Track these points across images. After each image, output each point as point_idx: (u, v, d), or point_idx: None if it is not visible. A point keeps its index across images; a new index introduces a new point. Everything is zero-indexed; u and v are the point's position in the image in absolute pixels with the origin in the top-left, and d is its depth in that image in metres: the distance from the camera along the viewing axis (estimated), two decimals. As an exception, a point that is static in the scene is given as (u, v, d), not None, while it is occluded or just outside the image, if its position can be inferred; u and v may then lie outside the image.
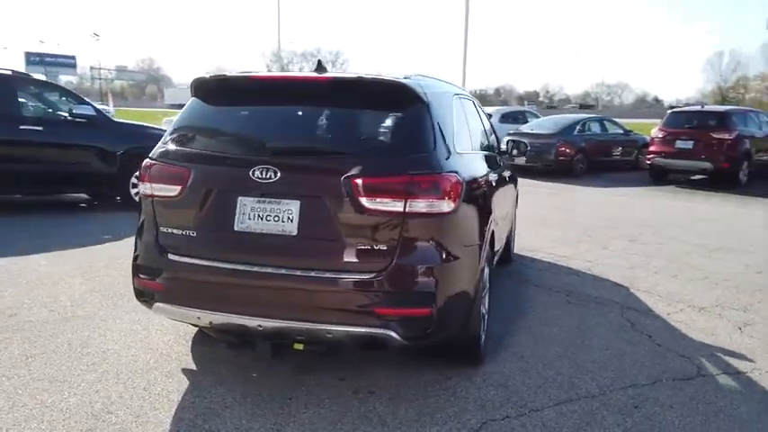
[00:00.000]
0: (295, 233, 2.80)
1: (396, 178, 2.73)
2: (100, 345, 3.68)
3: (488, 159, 4.18)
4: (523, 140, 14.80)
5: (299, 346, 2.95)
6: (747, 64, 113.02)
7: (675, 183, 13.53)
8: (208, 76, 3.23)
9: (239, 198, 2.89)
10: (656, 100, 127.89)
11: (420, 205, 2.72)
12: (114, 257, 5.75)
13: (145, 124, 9.71)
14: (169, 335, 3.88)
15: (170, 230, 3.03)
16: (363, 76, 2.93)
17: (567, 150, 14.30)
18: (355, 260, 2.76)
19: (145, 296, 3.15)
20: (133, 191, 8.18)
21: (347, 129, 3.05)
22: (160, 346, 3.71)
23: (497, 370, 3.47)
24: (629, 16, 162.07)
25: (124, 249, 5.98)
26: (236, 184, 2.89)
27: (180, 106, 6.58)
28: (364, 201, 2.71)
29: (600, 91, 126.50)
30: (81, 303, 4.43)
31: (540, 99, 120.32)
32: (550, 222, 8.45)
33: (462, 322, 3.06)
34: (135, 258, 3.18)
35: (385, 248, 2.74)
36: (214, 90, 3.24)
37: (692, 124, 13.02)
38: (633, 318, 4.49)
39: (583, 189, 12.65)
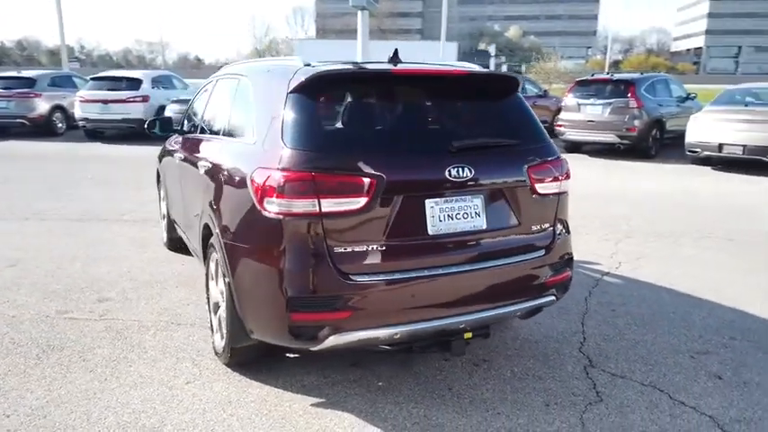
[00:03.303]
0: (484, 227, 2.89)
1: (554, 163, 3.11)
2: None
3: None
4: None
5: (469, 335, 3.04)
6: (277, 28, 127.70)
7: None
8: (335, 68, 2.76)
9: (426, 200, 2.75)
10: (198, 59, 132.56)
11: (564, 185, 3.18)
12: None
13: None
14: (247, 394, 3.16)
15: (350, 249, 2.63)
16: (492, 69, 3.08)
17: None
18: (532, 241, 3.05)
19: (308, 334, 2.65)
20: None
21: (499, 120, 3.12)
22: (277, 408, 3.03)
23: (524, 323, 4.06)
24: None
25: None
26: (427, 186, 2.73)
27: None
28: (538, 186, 3.01)
29: (142, 49, 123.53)
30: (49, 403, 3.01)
31: (77, 56, 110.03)
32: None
33: None
34: (286, 292, 2.60)
35: (548, 226, 3.12)
36: (345, 85, 2.81)
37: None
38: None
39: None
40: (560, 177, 3.14)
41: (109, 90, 14.40)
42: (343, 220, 2.62)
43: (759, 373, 3.35)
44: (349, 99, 2.86)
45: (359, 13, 23.18)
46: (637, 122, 11.53)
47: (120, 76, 15.17)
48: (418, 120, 2.97)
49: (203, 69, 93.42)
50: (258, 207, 2.70)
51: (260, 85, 3.17)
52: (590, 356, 3.54)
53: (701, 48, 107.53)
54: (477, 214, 2.88)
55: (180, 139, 4.79)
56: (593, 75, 13.67)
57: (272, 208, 2.63)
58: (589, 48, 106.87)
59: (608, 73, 14.34)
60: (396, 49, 3.20)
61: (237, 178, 2.96)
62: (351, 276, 2.63)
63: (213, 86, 4.26)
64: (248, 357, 3.23)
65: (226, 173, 3.14)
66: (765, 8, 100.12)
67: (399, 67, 2.95)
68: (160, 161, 5.47)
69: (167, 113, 14.18)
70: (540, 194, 3.04)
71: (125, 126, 14.39)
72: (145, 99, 14.34)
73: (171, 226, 5.35)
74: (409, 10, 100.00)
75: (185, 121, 4.94)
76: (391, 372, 3.30)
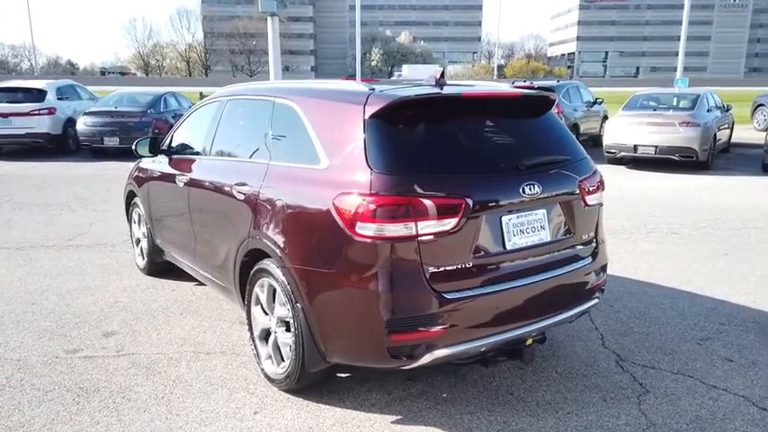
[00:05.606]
0: (549, 239, 3.07)
1: (596, 175, 3.36)
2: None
3: None
4: (109, 119, 13.85)
5: (530, 342, 3.22)
6: (160, 31, 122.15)
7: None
8: (412, 93, 2.82)
9: (502, 217, 2.89)
10: (71, 64, 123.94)
11: (603, 195, 3.44)
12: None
13: None
14: (323, 419, 3.11)
15: (443, 268, 2.71)
16: (544, 90, 3.31)
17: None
18: (583, 250, 3.28)
19: (405, 354, 2.71)
20: None
21: (547, 136, 3.28)
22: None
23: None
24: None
25: None
26: (504, 204, 2.87)
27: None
28: (587, 197, 3.25)
29: (4, 52, 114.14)
30: None
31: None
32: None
33: None
34: (385, 314, 2.64)
35: (593, 234, 3.36)
36: (420, 109, 2.87)
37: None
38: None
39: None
40: (601, 188, 3.41)
41: (8, 102, 13.18)
42: (435, 240, 2.69)
43: (760, 354, 3.80)
44: (424, 123, 2.93)
45: (268, 19, 22.79)
46: (557, 127, 12.34)
47: (19, 87, 13.93)
48: (488, 140, 3.11)
49: (80, 77, 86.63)
50: (348, 232, 2.71)
51: (320, 110, 3.15)
52: (616, 351, 3.84)
53: (573, 53, 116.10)
54: (542, 227, 3.06)
55: (170, 160, 4.59)
56: (513, 83, 14.48)
57: (366, 232, 2.66)
58: (474, 53, 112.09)
59: (525, 80, 15.22)
60: (443, 70, 3.32)
61: (310, 204, 2.95)
62: (444, 295, 2.72)
63: (222, 108, 4.13)
64: (314, 382, 3.21)
65: (288, 198, 3.10)
66: (627, 17, 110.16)
67: (469, 90, 3.08)
68: (139, 184, 5.18)
69: (79, 127, 13.28)
70: (588, 205, 3.28)
71: (29, 141, 13.27)
72: (51, 111, 13.29)
73: (155, 251, 5.10)
74: (302, 31, 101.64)
75: (171, 142, 4.75)
76: (449, 383, 3.40)
